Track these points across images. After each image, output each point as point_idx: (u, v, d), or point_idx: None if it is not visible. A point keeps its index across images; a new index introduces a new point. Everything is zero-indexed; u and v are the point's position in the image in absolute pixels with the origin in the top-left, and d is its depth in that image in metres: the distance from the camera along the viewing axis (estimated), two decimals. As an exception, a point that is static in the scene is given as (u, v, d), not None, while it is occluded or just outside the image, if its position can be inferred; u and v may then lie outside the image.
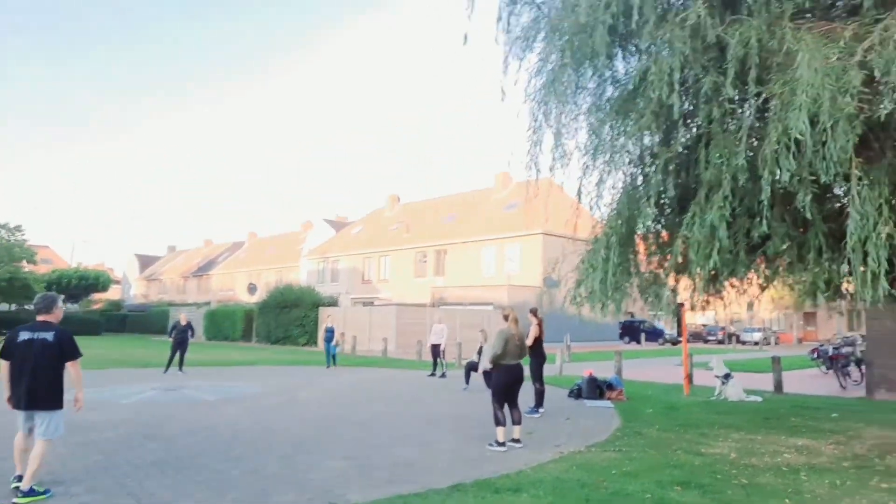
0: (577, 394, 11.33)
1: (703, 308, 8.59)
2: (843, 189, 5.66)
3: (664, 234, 7.81)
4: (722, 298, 8.29)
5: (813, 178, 5.20)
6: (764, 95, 5.45)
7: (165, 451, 6.59)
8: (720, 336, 38.67)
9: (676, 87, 5.61)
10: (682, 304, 8.79)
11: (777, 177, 5.26)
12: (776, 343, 38.55)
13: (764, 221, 5.42)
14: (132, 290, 74.83)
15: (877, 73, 4.83)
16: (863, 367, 13.66)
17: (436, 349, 16.18)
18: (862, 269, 5.13)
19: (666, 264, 7.53)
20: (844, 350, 16.32)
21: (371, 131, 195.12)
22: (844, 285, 6.76)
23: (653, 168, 6.85)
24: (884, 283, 5.00)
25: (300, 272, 48.95)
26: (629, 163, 7.28)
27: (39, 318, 5.14)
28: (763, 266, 7.54)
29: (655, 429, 8.19)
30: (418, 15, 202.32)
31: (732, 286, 7.94)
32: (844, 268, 5.34)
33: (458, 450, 6.86)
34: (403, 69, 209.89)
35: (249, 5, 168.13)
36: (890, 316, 11.13)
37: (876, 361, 12.11)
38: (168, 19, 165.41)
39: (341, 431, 7.94)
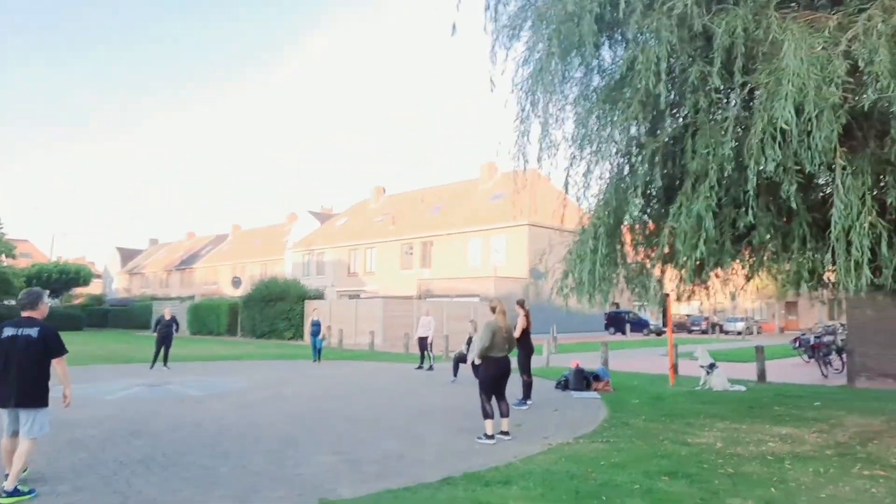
0: (564, 385, 11.38)
1: (689, 298, 8.65)
2: (827, 179, 5.69)
3: (651, 224, 7.82)
4: (707, 288, 8.34)
5: (798, 167, 5.22)
6: (750, 85, 5.45)
7: (152, 447, 6.51)
8: (704, 326, 39.03)
9: (663, 76, 5.59)
10: (668, 295, 8.84)
11: (763, 166, 5.28)
12: (758, 332, 39.04)
13: (750, 211, 5.44)
14: (114, 284, 73.88)
15: (861, 63, 4.85)
16: (843, 356, 13.89)
17: (423, 342, 16.16)
18: (845, 257, 5.18)
19: (653, 255, 7.55)
20: (826, 339, 16.57)
21: (357, 123, 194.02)
22: (827, 274, 6.83)
23: (639, 158, 6.85)
24: (867, 272, 5.04)
25: (285, 265, 48.56)
26: (616, 153, 7.25)
27: (24, 314, 5.04)
28: (748, 255, 7.60)
29: (642, 419, 8.25)
30: (405, 6, 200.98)
31: (717, 276, 7.99)
32: (828, 257, 5.39)
33: (447, 443, 6.86)
34: (390, 61, 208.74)
35: (244, 3, 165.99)
36: (870, 304, 11.31)
37: (856, 350, 12.33)
38: (168, 19, 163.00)
39: (329, 426, 7.90)
